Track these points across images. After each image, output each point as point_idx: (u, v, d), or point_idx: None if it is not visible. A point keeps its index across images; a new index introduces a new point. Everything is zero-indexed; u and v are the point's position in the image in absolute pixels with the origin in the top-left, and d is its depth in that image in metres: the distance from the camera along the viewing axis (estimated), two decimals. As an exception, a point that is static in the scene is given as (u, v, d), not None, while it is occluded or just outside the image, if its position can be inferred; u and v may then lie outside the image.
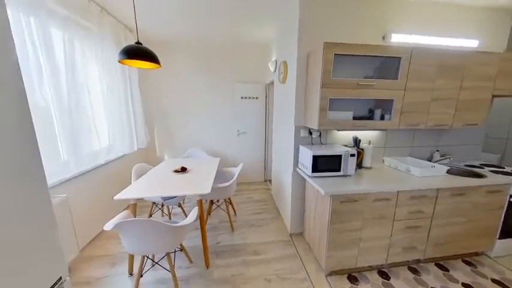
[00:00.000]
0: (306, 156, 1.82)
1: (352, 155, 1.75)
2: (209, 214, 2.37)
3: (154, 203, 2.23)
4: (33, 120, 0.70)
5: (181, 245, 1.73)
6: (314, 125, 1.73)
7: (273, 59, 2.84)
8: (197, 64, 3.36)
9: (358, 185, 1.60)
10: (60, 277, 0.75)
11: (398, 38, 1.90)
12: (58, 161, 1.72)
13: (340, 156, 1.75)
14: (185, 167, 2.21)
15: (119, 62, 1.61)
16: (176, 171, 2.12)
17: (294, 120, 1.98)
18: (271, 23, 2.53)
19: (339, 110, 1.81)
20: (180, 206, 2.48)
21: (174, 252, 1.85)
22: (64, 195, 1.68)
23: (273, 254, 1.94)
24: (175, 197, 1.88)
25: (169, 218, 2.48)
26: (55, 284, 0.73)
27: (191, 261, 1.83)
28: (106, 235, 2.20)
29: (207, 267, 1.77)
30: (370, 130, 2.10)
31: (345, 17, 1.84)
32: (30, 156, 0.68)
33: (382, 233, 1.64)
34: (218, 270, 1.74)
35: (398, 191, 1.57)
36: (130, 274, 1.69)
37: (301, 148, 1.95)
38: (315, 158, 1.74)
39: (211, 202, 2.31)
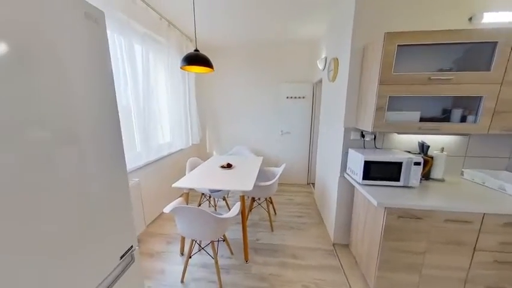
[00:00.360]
0: (356, 161, 1.65)
1: (417, 164, 1.48)
2: (250, 211, 2.45)
3: (203, 193, 2.47)
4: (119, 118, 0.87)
5: (224, 236, 1.86)
6: (368, 126, 1.54)
7: (322, 56, 2.68)
8: (245, 66, 3.52)
9: (423, 199, 1.34)
10: (132, 245, 0.93)
11: (492, 18, 1.48)
12: (134, 152, 2.12)
13: (399, 164, 1.50)
14: (231, 163, 2.36)
15: (180, 68, 1.84)
16: (222, 166, 2.28)
17: (343, 121, 1.83)
18: (321, 18, 2.40)
19: (401, 110, 1.56)
20: (224, 199, 2.67)
21: (218, 241, 2.00)
22: (137, 179, 2.06)
23: (312, 261, 1.84)
24: (220, 190, 2.03)
25: (215, 209, 2.70)
26: (128, 250, 0.90)
27: (232, 253, 1.94)
28: (165, 216, 2.58)
29: (246, 261, 1.84)
30: (445, 135, 1.72)
31: (412, 1, 1.56)
32: (118, 146, 0.86)
33: (455, 262, 1.32)
34: (256, 267, 1.79)
35: (484, 214, 1.23)
36: (182, 254, 1.93)
37: (351, 152, 1.78)
38: (367, 164, 1.55)
39: (253, 199, 2.38)
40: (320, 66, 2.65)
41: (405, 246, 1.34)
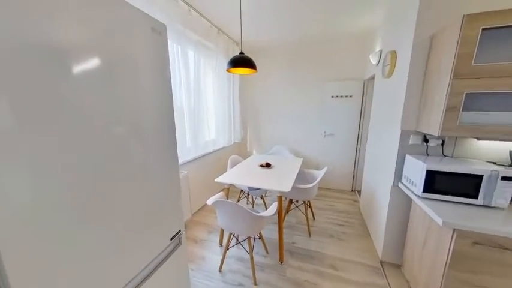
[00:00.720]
0: (416, 170, 1.41)
1: (506, 179, 1.16)
2: (287, 212, 2.41)
3: (242, 190, 2.57)
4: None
5: (260, 233, 1.89)
6: (434, 130, 1.30)
7: (377, 49, 2.40)
8: (287, 66, 3.48)
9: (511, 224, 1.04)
10: (180, 230, 1.04)
11: None
12: (184, 147, 2.38)
13: (478, 177, 1.21)
14: (269, 163, 2.37)
15: (226, 71, 1.96)
16: (261, 166, 2.32)
17: (400, 123, 1.59)
18: (376, 8, 2.14)
19: (483, 110, 1.24)
20: (262, 198, 2.71)
21: (254, 238, 2.05)
22: (186, 172, 2.31)
23: (354, 276, 1.68)
24: (258, 189, 2.07)
25: (253, 206, 2.77)
26: (177, 233, 1.01)
27: (267, 252, 1.95)
28: (208, 208, 2.80)
29: (281, 262, 1.82)
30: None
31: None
32: (172, 142, 0.97)
33: None
34: (291, 270, 1.75)
35: None
36: (220, 244, 2.06)
37: (409, 159, 1.53)
38: (431, 174, 1.31)
39: (291, 201, 2.33)
40: (373, 61, 2.38)
41: (481, 280, 1.07)
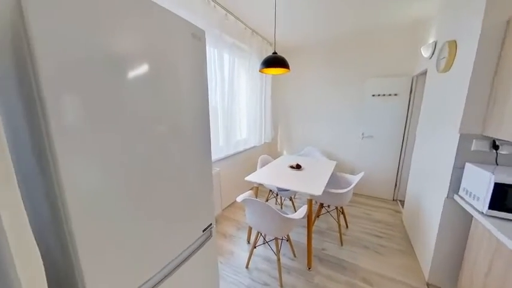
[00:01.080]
0: (480, 182, 1.18)
1: None
2: (317, 217, 2.31)
3: (270, 190, 2.57)
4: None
5: (288, 236, 1.86)
6: (510, 134, 1.06)
7: (430, 41, 2.09)
8: (322, 64, 3.32)
9: None
10: (211, 223, 1.10)
11: None
12: (217, 145, 2.50)
13: None
14: (300, 164, 2.31)
15: (259, 71, 1.98)
16: (291, 167, 2.27)
17: (459, 125, 1.35)
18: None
19: None
20: (291, 199, 2.66)
21: (281, 239, 2.03)
22: (218, 169, 2.43)
23: (393, 296, 1.50)
24: (288, 190, 2.04)
25: (281, 207, 2.74)
26: (208, 227, 1.07)
27: (295, 255, 1.90)
28: (237, 205, 2.89)
29: (309, 268, 1.75)
30: None
31: None
32: (207, 140, 1.03)
33: None
34: (319, 278, 1.67)
35: None
36: (248, 242, 2.10)
37: (470, 167, 1.29)
38: (501, 188, 1.08)
39: (321, 205, 2.22)
40: (425, 53, 2.08)
41: None
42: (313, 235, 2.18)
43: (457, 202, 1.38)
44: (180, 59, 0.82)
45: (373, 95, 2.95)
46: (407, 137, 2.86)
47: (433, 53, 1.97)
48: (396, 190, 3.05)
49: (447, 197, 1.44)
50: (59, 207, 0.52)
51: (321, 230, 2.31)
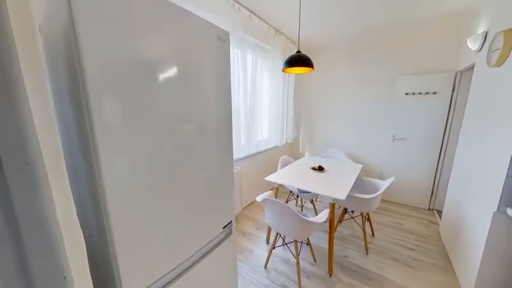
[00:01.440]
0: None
1: None
2: (340, 222, 2.20)
3: (291, 191, 2.52)
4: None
5: (308, 239, 1.81)
6: None
7: (479, 31, 1.84)
8: (349, 61, 3.15)
9: None
10: (231, 221, 1.12)
11: None
12: (239, 144, 2.54)
13: None
14: (322, 166, 2.23)
15: (282, 71, 1.96)
16: (313, 168, 2.20)
17: (515, 128, 1.16)
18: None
19: None
20: (312, 202, 2.58)
21: (301, 242, 1.98)
22: (239, 167, 2.47)
23: (426, 315, 1.36)
24: (309, 192, 1.98)
25: (301, 209, 2.67)
26: (228, 224, 1.09)
27: (315, 260, 1.84)
28: (257, 204, 2.91)
29: (330, 275, 1.68)
30: None
31: None
32: (229, 139, 1.06)
33: None
34: (341, 286, 1.59)
35: None
36: (267, 242, 2.10)
37: (529, 177, 1.11)
38: None
39: (345, 210, 2.11)
40: (473, 46, 1.84)
41: None
42: (335, 241, 2.09)
43: (509, 217, 1.19)
44: (205, 60, 0.86)
45: (407, 94, 2.70)
46: (447, 140, 2.56)
47: (482, 45, 1.73)
48: (432, 198, 2.75)
49: (497, 211, 1.25)
50: (99, 195, 0.58)
51: (344, 237, 2.19)
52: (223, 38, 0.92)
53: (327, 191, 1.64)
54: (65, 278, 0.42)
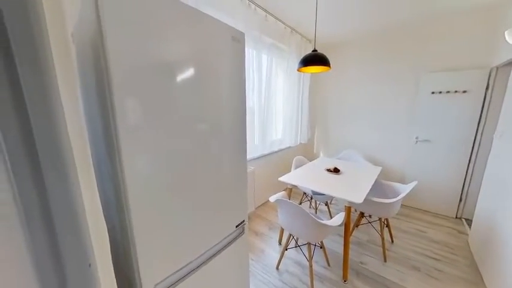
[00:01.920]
0: None
1: None
2: (357, 226, 2.12)
3: (304, 193, 2.48)
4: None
5: (322, 243, 1.76)
6: None
7: (520, 22, 1.66)
8: (367, 59, 3.01)
9: None
10: (244, 220, 1.13)
11: None
12: (252, 144, 2.56)
13: None
14: (338, 168, 2.16)
15: (297, 70, 1.94)
16: (328, 170, 2.15)
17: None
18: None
19: None
20: (326, 204, 2.51)
21: (315, 245, 1.94)
22: (252, 167, 2.48)
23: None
24: (324, 194, 1.93)
25: (315, 212, 2.61)
26: (241, 223, 1.10)
27: (329, 264, 1.79)
28: (270, 204, 2.90)
29: (344, 280, 1.63)
30: None
31: None
32: (243, 139, 1.07)
33: None
34: (356, 293, 1.53)
35: None
36: (279, 243, 2.08)
37: None
38: None
39: (362, 214, 2.03)
40: (511, 39, 1.66)
41: None
42: (351, 246, 2.02)
43: (554, 230, 1.06)
44: (220, 61, 0.87)
45: (433, 93, 2.52)
46: (479, 142, 2.35)
47: (523, 38, 1.56)
48: (461, 206, 2.54)
49: (539, 222, 1.12)
50: (121, 189, 0.62)
51: (361, 242, 2.10)
52: (238, 39, 0.93)
53: (342, 194, 1.59)
54: (90, 265, 0.46)
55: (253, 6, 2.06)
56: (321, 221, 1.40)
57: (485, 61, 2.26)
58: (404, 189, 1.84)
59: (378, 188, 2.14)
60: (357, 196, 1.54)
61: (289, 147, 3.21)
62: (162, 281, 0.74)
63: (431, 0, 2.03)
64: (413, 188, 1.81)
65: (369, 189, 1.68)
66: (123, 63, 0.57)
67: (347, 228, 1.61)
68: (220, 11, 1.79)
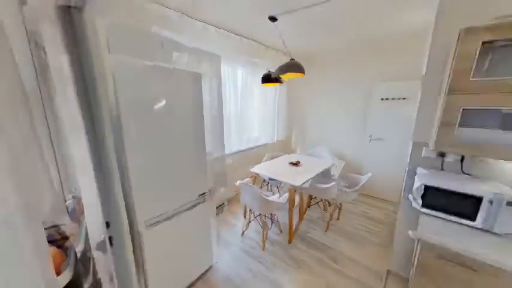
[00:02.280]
0: (417, 184, 1.42)
1: None
2: (309, 206, 2.67)
3: (264, 179, 2.99)
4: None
5: (275, 216, 2.33)
6: (432, 143, 1.29)
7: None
8: (333, 69, 3.51)
9: (502, 251, 1.00)
10: (205, 192, 1.70)
11: None
12: (230, 142, 3.11)
13: (477, 199, 1.14)
14: (299, 161, 2.70)
15: (278, 75, 2.19)
16: (291, 163, 2.69)
17: (412, 133, 1.56)
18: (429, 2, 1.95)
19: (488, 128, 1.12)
20: (277, 187, 3.06)
21: (265, 216, 2.50)
22: (231, 160, 3.05)
23: (352, 273, 1.82)
24: (275, 180, 2.48)
25: (273, 194, 3.17)
26: (203, 194, 1.67)
27: (281, 231, 2.37)
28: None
29: (289, 242, 2.20)
30: None
31: None
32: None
33: None
34: (295, 250, 2.10)
35: None
36: (244, 217, 2.64)
37: (420, 172, 1.51)
38: (427, 189, 1.32)
39: (310, 197, 2.58)
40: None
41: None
42: (303, 222, 2.58)
43: (411, 203, 1.60)
44: (186, 94, 1.44)
45: (382, 99, 3.02)
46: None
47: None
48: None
49: (404, 199, 1.66)
50: (128, 174, 1.20)
51: (312, 219, 2.67)
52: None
53: (287, 179, 2.14)
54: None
55: (226, 33, 2.57)
56: (266, 197, 1.97)
57: (419, 73, 2.72)
58: (362, 180, 2.37)
59: (344, 179, 2.68)
60: (297, 181, 2.09)
61: (266, 143, 3.76)
62: (149, 219, 1.33)
63: (378, 24, 2.50)
64: (373, 181, 2.31)
65: (310, 177, 2.22)
66: (126, 101, 1.15)
67: (291, 204, 2.17)
68: (201, 40, 2.32)
